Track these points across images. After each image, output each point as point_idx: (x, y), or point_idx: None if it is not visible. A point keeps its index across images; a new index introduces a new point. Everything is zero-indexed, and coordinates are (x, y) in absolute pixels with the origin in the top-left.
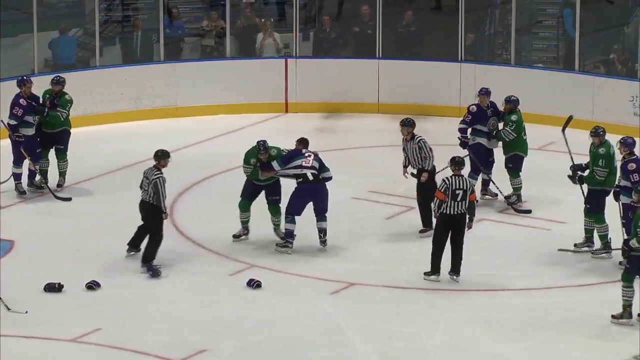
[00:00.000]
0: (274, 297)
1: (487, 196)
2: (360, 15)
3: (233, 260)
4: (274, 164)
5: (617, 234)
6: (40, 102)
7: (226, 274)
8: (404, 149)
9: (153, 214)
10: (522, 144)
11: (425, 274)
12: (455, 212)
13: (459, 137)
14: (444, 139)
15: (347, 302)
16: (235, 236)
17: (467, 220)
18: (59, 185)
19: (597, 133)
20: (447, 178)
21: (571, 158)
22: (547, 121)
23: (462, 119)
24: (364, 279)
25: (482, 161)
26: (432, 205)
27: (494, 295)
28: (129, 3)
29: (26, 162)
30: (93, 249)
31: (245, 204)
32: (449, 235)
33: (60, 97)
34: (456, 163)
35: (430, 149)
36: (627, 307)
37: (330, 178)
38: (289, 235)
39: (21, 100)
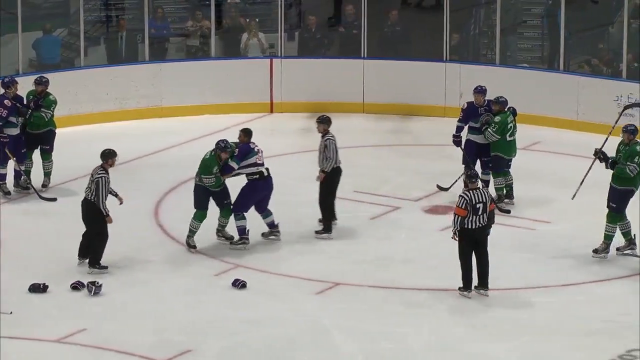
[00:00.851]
0: (260, 297)
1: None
2: (345, 15)
3: (218, 260)
4: (232, 163)
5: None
6: (24, 103)
7: (211, 274)
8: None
9: (93, 213)
10: (506, 146)
11: (459, 289)
12: (477, 226)
13: (453, 135)
14: (429, 139)
15: (333, 302)
16: (192, 246)
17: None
18: (44, 186)
19: (633, 131)
20: (465, 193)
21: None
22: (532, 121)
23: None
24: (350, 279)
25: (471, 158)
26: (452, 222)
27: (480, 295)
28: (113, 3)
29: (11, 163)
30: (77, 250)
31: (203, 215)
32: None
33: (45, 98)
34: (470, 177)
35: (336, 151)
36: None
37: None
38: (243, 232)
39: (5, 101)
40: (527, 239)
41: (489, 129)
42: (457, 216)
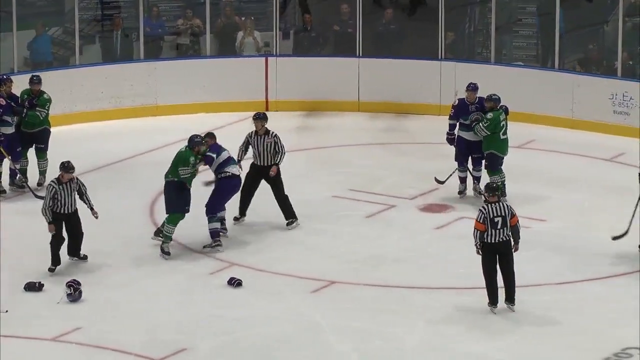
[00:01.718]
0: (254, 296)
1: (476, 193)
2: (340, 13)
3: (213, 258)
4: (210, 154)
5: None
6: (19, 102)
7: (206, 272)
8: (247, 143)
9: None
10: (499, 143)
11: (488, 304)
12: (498, 240)
13: (447, 133)
14: (424, 138)
15: (327, 300)
16: (167, 253)
17: (513, 243)
18: (40, 184)
19: None
20: (483, 207)
21: None
22: (527, 119)
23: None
24: (344, 278)
25: (461, 155)
26: (473, 236)
27: (473, 294)
28: (109, 1)
29: (6, 161)
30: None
31: (180, 217)
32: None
33: (39, 97)
34: (490, 189)
35: (283, 145)
36: None
37: None
38: (216, 235)
39: (0, 100)
40: (523, 237)
41: (480, 124)
42: (476, 230)
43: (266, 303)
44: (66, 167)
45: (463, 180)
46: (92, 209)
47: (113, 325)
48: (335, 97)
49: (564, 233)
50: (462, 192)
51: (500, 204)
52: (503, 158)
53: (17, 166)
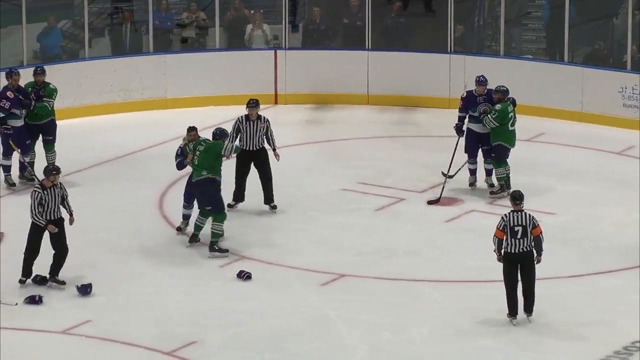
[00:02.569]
0: (264, 289)
1: (487, 187)
2: (349, 6)
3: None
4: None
5: None
6: (27, 95)
7: (216, 265)
8: (238, 129)
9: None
10: (507, 135)
11: (508, 315)
12: (518, 250)
13: (455, 124)
14: (433, 131)
15: (337, 293)
16: (224, 250)
17: (535, 254)
18: None
19: None
20: (505, 215)
21: None
22: (536, 112)
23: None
24: (354, 271)
25: (472, 147)
26: (493, 243)
27: (482, 287)
28: None
29: (15, 155)
30: (81, 241)
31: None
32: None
33: (45, 87)
34: (514, 198)
35: (271, 129)
36: None
37: None
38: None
39: (8, 93)
40: None
41: (488, 115)
42: (495, 237)
43: (276, 296)
44: (50, 170)
45: (473, 172)
46: (71, 214)
47: (123, 318)
48: (344, 90)
49: (573, 226)
50: (472, 184)
51: (523, 213)
52: (510, 150)
53: (27, 159)
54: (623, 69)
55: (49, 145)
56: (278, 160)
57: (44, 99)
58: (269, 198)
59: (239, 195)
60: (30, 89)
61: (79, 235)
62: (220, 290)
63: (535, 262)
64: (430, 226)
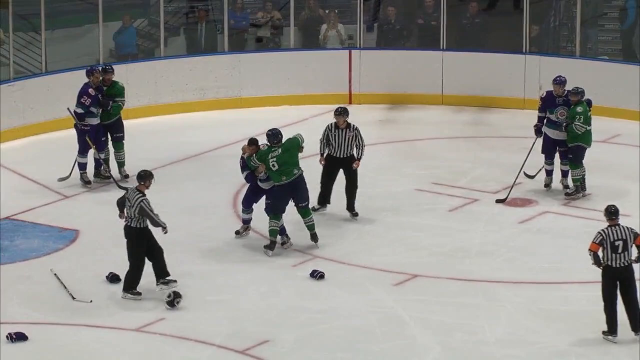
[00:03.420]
0: (337, 288)
1: (563, 188)
2: (424, 6)
3: (296, 251)
4: None
5: None
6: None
7: (289, 264)
8: (327, 138)
9: (134, 239)
10: (586, 135)
11: (603, 333)
12: (620, 264)
13: (535, 124)
14: (507, 131)
15: (410, 293)
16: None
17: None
18: (126, 176)
19: None
20: (603, 230)
21: None
22: (612, 114)
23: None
24: (427, 271)
25: (549, 148)
26: (590, 256)
27: (557, 288)
28: None
29: (91, 152)
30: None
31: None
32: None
33: (114, 86)
34: (610, 213)
35: (363, 138)
36: None
37: None
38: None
39: (90, 90)
40: None
41: (575, 123)
42: (590, 251)
43: (349, 296)
44: (148, 173)
45: (549, 173)
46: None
47: (197, 316)
48: (418, 90)
49: None
50: (548, 185)
51: (621, 226)
52: (586, 150)
53: (102, 156)
54: None
55: (118, 144)
56: (353, 168)
57: (116, 98)
58: (351, 205)
59: (324, 200)
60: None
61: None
62: (293, 289)
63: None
64: (504, 227)
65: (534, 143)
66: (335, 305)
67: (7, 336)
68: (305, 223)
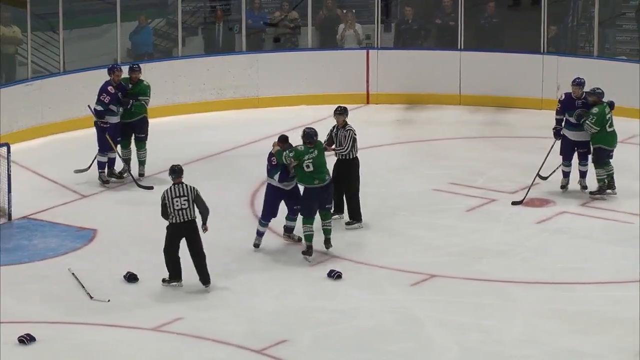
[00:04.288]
0: (354, 288)
1: (580, 188)
2: (442, 6)
3: (314, 251)
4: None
5: None
6: (126, 92)
7: (306, 265)
8: (331, 138)
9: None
10: (606, 137)
11: None
12: None
13: (554, 127)
14: (525, 131)
15: (427, 293)
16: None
17: None
18: (141, 175)
19: None
20: None
21: None
22: (629, 114)
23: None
24: (444, 271)
25: (568, 150)
26: None
27: (573, 289)
28: None
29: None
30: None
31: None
32: None
33: (139, 84)
34: None
35: (354, 140)
36: None
37: None
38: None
39: (109, 88)
40: (624, 233)
41: (587, 122)
42: None
43: (366, 296)
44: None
45: (566, 175)
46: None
47: (214, 316)
48: (436, 90)
49: None
50: (564, 187)
51: None
52: (612, 151)
53: (111, 156)
54: None
55: (141, 143)
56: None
57: (140, 97)
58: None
59: (339, 208)
60: (123, 84)
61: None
62: (310, 289)
63: None
64: (520, 227)
65: (552, 145)
66: (352, 306)
67: (19, 339)
68: (323, 226)
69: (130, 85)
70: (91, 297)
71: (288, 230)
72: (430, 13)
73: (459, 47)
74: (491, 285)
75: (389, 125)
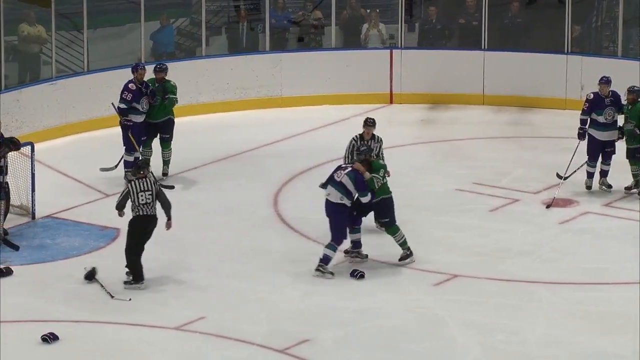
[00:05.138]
0: (377, 288)
1: (603, 187)
2: (466, 6)
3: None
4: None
5: None
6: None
7: (330, 264)
8: (354, 148)
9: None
10: None
11: None
12: None
13: (579, 128)
14: (549, 131)
15: (450, 293)
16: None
17: None
18: (164, 174)
19: None
20: None
21: None
22: None
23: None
24: (467, 271)
25: (595, 151)
26: None
27: (597, 289)
28: None
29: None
30: (196, 239)
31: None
32: None
33: (165, 84)
34: None
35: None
36: None
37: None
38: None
39: (130, 85)
40: None
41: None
42: None
43: (389, 295)
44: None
45: (591, 176)
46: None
47: (236, 316)
48: (460, 89)
49: None
50: (589, 187)
51: None
52: None
53: (131, 159)
54: None
55: (166, 143)
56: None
57: (166, 95)
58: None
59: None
60: (149, 85)
61: (193, 232)
62: (333, 289)
63: None
64: (544, 227)
65: (577, 147)
66: (375, 305)
67: (43, 338)
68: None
69: (156, 85)
70: (112, 297)
71: (357, 245)
72: (454, 13)
73: (482, 47)
74: (514, 285)
75: (412, 125)
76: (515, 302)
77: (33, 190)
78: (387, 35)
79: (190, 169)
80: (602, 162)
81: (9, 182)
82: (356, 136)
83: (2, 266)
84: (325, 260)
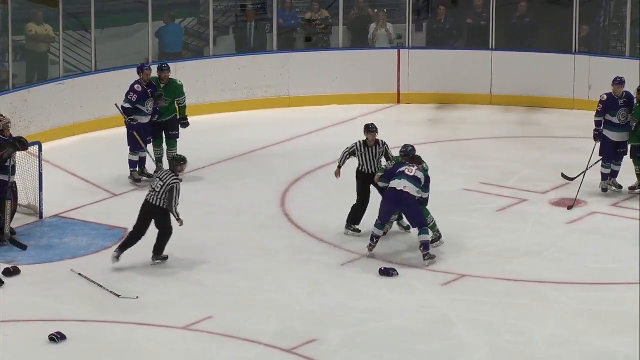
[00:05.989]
0: (384, 288)
1: (613, 188)
2: (473, 6)
3: (344, 250)
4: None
5: None
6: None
7: (337, 264)
8: (353, 153)
9: (161, 216)
10: None
11: None
12: None
13: (594, 130)
14: (556, 131)
15: (458, 293)
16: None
17: None
18: None
19: None
20: None
21: None
22: None
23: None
24: (475, 271)
25: (609, 152)
26: None
27: (605, 289)
28: None
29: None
30: (203, 238)
31: None
32: None
33: (171, 84)
34: None
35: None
36: None
37: None
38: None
39: (137, 86)
40: None
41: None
42: None
43: (397, 295)
44: (183, 158)
45: (605, 177)
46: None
47: (244, 315)
48: (467, 89)
49: None
50: (605, 190)
51: None
52: None
53: (142, 155)
54: None
55: (172, 141)
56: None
57: (177, 98)
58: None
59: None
60: (154, 83)
61: (201, 232)
62: (341, 288)
63: None
64: (552, 227)
65: (594, 148)
66: (383, 305)
67: (51, 337)
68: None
69: (161, 85)
70: (118, 296)
71: (375, 240)
72: (462, 13)
73: (490, 47)
74: (522, 285)
75: (420, 125)
76: (523, 302)
77: (41, 189)
78: (395, 35)
79: (197, 169)
80: (613, 163)
81: (16, 182)
82: (360, 142)
83: (10, 266)
84: (427, 246)
